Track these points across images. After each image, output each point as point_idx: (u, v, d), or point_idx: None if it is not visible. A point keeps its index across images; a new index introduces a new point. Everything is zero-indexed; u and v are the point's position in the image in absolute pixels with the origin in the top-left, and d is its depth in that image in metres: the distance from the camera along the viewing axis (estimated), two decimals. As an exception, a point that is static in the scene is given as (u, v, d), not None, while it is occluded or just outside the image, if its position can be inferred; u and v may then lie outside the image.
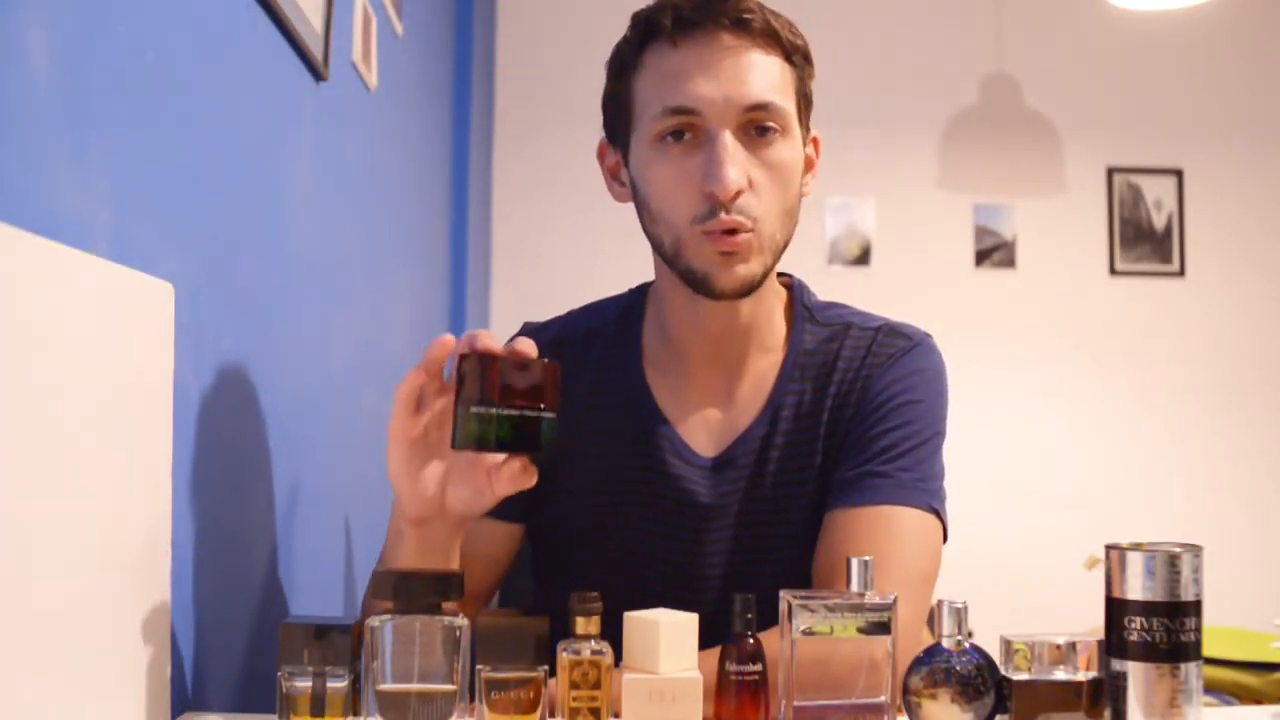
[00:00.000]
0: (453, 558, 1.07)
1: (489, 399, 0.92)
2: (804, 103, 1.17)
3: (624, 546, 1.20)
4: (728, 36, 1.10)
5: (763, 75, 1.11)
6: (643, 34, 1.14)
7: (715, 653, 0.93)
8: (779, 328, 1.23)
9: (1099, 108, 3.52)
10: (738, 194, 1.08)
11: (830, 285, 1.33)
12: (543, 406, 0.95)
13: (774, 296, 1.23)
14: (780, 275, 1.25)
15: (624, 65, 1.16)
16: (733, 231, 1.09)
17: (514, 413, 0.93)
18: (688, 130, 1.10)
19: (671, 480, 1.19)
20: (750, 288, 1.13)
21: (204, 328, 1.05)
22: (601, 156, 1.23)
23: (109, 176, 0.88)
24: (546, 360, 0.96)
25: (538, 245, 3.35)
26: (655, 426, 1.20)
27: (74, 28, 0.82)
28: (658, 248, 1.17)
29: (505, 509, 1.20)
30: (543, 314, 1.33)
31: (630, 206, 1.22)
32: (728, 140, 1.09)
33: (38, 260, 0.74)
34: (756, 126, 1.10)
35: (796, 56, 1.15)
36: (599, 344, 1.25)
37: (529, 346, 0.95)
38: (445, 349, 0.97)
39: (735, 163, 1.08)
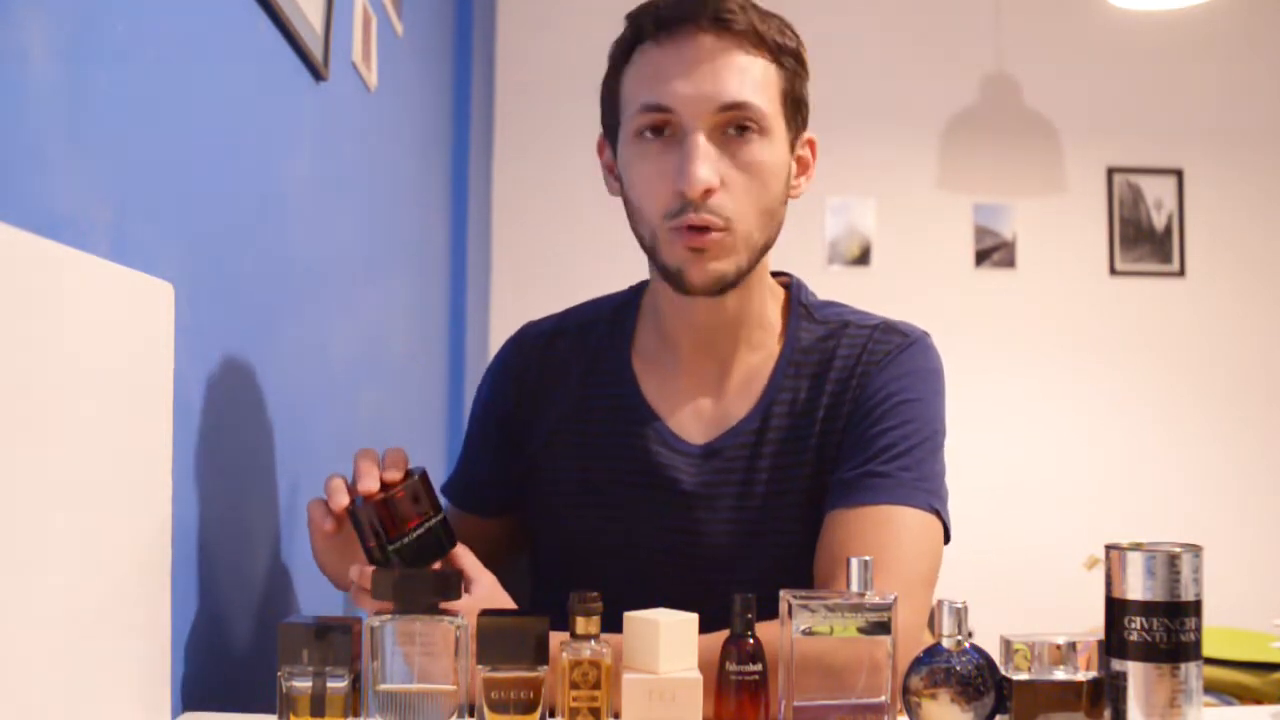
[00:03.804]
0: None
1: (391, 537, 0.98)
2: (792, 104, 1.16)
3: (613, 533, 1.21)
4: (708, 37, 1.11)
5: (741, 75, 1.11)
6: (634, 32, 1.16)
7: (714, 636, 0.93)
8: (773, 324, 1.24)
9: (1099, 108, 3.52)
10: (708, 192, 1.09)
11: (830, 285, 1.33)
12: (432, 513, 1.01)
13: (767, 292, 1.23)
14: (779, 274, 1.27)
15: (616, 62, 1.18)
16: (704, 229, 1.10)
17: (415, 535, 0.99)
18: (665, 127, 1.12)
19: (655, 467, 1.20)
20: (723, 285, 1.14)
21: (204, 328, 1.05)
22: (601, 152, 1.25)
23: (109, 176, 0.88)
24: (415, 472, 1.02)
25: (538, 245, 3.35)
26: (642, 415, 1.22)
27: (74, 28, 0.82)
28: (640, 241, 1.18)
29: (481, 507, 1.28)
30: (543, 314, 1.34)
31: None
32: (700, 139, 1.10)
33: (38, 260, 0.74)
34: (733, 126, 1.11)
35: (785, 58, 1.15)
36: (593, 336, 1.27)
37: (398, 459, 1.03)
38: (337, 498, 1.02)
39: (706, 161, 1.09)
